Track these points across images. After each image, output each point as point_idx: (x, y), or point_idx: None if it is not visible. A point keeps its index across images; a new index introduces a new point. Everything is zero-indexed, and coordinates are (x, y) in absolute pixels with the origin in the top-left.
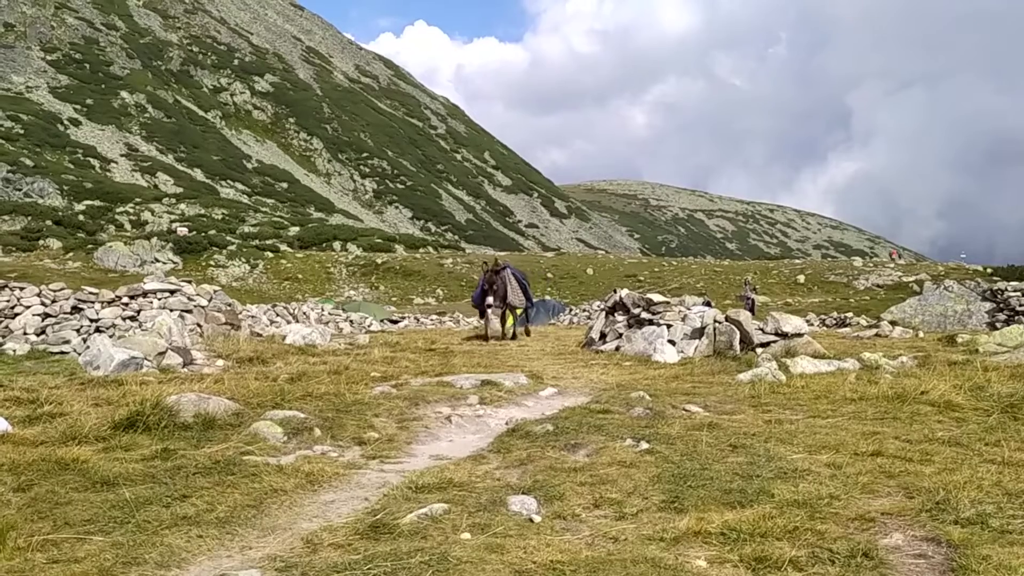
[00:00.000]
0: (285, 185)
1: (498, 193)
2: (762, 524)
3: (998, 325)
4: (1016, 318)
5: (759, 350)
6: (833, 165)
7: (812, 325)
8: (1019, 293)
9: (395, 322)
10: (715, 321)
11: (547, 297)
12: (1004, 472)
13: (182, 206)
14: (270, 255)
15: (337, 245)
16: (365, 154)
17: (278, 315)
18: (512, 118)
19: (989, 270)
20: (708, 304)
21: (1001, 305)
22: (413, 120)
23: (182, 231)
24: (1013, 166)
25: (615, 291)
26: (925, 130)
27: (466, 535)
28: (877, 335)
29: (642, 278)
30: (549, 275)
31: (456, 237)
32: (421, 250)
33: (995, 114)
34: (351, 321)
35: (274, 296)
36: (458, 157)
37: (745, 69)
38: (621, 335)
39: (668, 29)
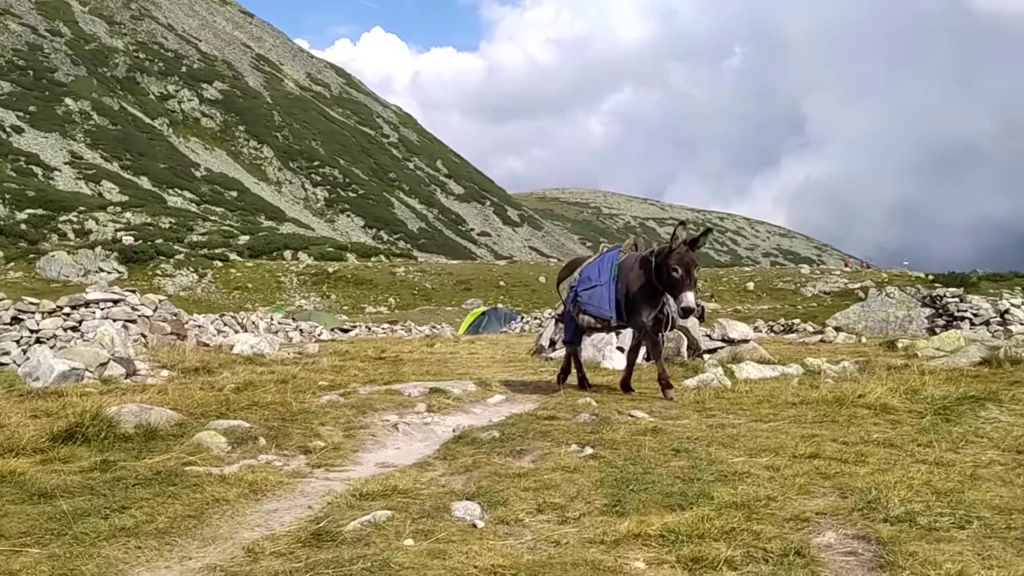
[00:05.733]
0: (235, 193)
1: (451, 202)
2: (700, 526)
3: (937, 330)
4: (954, 323)
5: (706, 356)
6: (787, 172)
7: (760, 331)
8: (957, 299)
9: (346, 331)
10: None
11: (499, 305)
12: (934, 472)
13: (128, 215)
14: (219, 264)
15: (288, 254)
16: (316, 162)
17: (226, 325)
18: (469, 126)
19: (931, 277)
20: None
21: (940, 311)
22: (365, 128)
23: (128, 240)
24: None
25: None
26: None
27: (409, 541)
28: (822, 341)
29: None
30: (502, 283)
31: (408, 246)
32: (373, 259)
33: (945, 121)
34: (301, 330)
35: (223, 306)
36: (410, 166)
37: (701, 80)
38: None
39: (624, 40)
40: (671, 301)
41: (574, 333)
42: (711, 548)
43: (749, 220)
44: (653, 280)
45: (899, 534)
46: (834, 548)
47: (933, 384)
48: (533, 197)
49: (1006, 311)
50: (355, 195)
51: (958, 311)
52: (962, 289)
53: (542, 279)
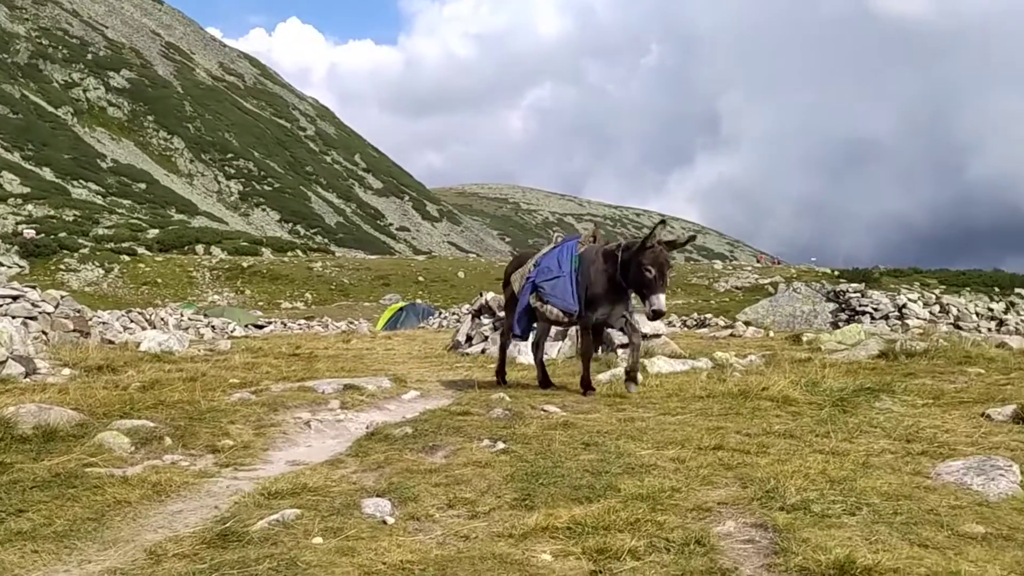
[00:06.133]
0: (143, 186)
1: (369, 196)
2: (607, 517)
3: (840, 324)
4: (856, 317)
5: (619, 351)
6: (701, 169)
7: (674, 326)
8: (859, 295)
9: (260, 327)
10: None
11: (417, 301)
12: (829, 461)
13: (29, 207)
14: (127, 259)
15: (200, 248)
16: (230, 155)
17: (133, 321)
18: (388, 120)
19: (836, 272)
20: None
21: (843, 306)
22: (281, 121)
23: (29, 233)
24: (864, 169)
25: (481, 294)
26: (786, 134)
27: (318, 539)
28: (732, 335)
29: None
30: (420, 278)
31: (326, 240)
32: (289, 253)
33: (850, 118)
34: (213, 327)
35: (131, 301)
36: (328, 159)
37: (618, 77)
38: (487, 338)
39: (543, 36)
40: (643, 302)
41: (526, 327)
42: (616, 539)
43: (664, 216)
44: (618, 276)
45: (794, 521)
46: (733, 536)
47: (833, 377)
48: (452, 192)
49: (904, 306)
50: (270, 189)
51: (860, 306)
52: (864, 285)
53: (461, 274)
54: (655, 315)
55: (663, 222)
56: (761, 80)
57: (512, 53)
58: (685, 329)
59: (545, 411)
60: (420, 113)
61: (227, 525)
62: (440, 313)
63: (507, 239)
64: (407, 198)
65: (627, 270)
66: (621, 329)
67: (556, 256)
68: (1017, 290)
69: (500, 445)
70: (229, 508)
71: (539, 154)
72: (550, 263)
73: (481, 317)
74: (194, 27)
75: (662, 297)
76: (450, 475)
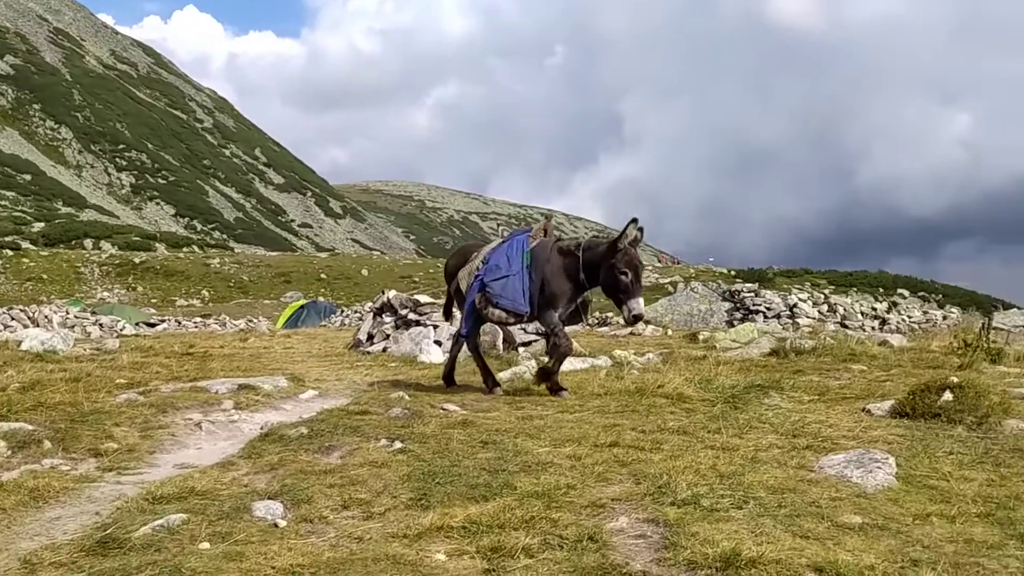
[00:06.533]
0: (28, 177)
1: (270, 191)
2: (502, 516)
3: (735, 323)
4: (750, 316)
5: (521, 349)
6: (604, 169)
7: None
8: (753, 294)
9: (152, 326)
10: None
11: (320, 299)
12: (720, 456)
13: None
14: (9, 253)
15: (89, 243)
16: (122, 146)
17: (14, 319)
18: (290, 114)
19: (732, 272)
20: None
21: (738, 305)
22: (176, 112)
23: None
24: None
25: (383, 292)
26: (686, 137)
27: (205, 545)
28: (632, 333)
29: (417, 279)
30: (323, 276)
31: (224, 236)
32: (185, 249)
33: (747, 124)
34: (101, 325)
35: (14, 298)
36: (227, 153)
37: (524, 77)
38: (388, 336)
39: (449, 33)
40: (619, 307)
41: (473, 327)
42: (511, 537)
43: (568, 216)
44: (580, 276)
45: (684, 516)
46: (625, 532)
47: (726, 374)
48: (356, 189)
49: (795, 305)
50: (165, 182)
51: (753, 305)
52: (759, 284)
53: (365, 272)
54: (634, 320)
55: (635, 220)
56: (662, 84)
57: (418, 50)
58: (587, 327)
59: (445, 410)
60: (324, 108)
61: (108, 532)
62: (342, 311)
63: (412, 237)
64: (310, 194)
65: (591, 270)
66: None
67: (505, 252)
68: (899, 290)
69: (398, 444)
70: (111, 514)
71: (445, 152)
72: (499, 260)
73: (383, 315)
74: (84, 13)
75: (640, 301)
76: (346, 476)
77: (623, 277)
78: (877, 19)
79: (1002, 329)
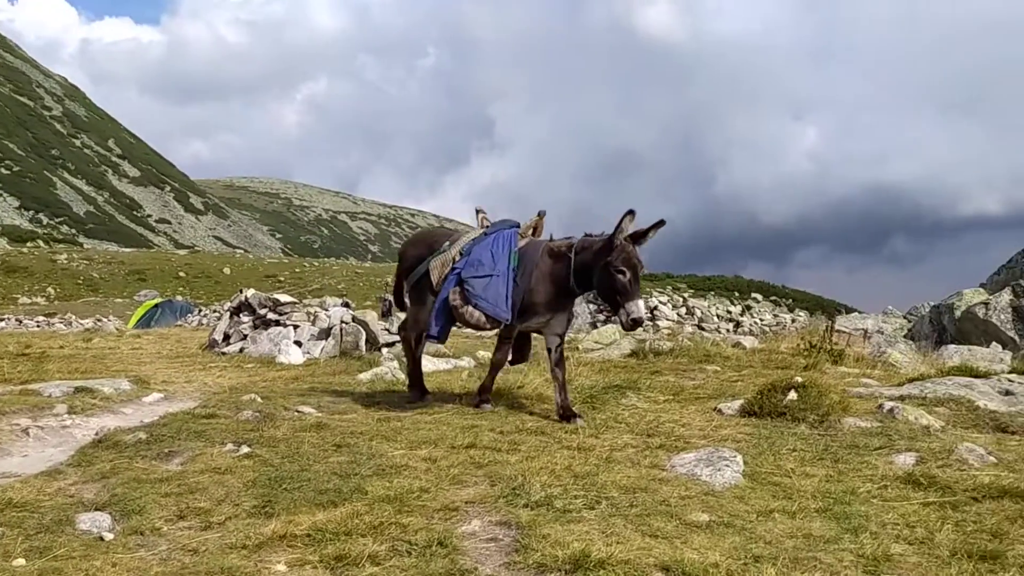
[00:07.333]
0: None
1: (124, 185)
2: (350, 522)
3: (598, 324)
4: (613, 319)
5: (384, 350)
6: (476, 172)
7: None
8: None
9: None
10: (342, 322)
11: (177, 297)
12: (576, 457)
13: None
14: None
15: None
16: None
17: None
18: (149, 105)
19: None
20: (347, 305)
21: (601, 307)
22: (22, 99)
23: None
24: (626, 179)
25: (241, 291)
26: (555, 142)
27: (20, 561)
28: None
29: (283, 278)
30: (182, 274)
31: (73, 231)
32: (29, 244)
33: (616, 130)
34: None
35: None
36: (77, 143)
37: (396, 76)
38: (246, 336)
39: (320, 28)
40: (615, 310)
41: (444, 328)
42: (357, 544)
43: (439, 217)
44: (571, 281)
45: (537, 518)
46: (477, 535)
47: (586, 375)
48: (220, 185)
49: (655, 308)
50: (8, 172)
51: None
52: None
53: (227, 270)
54: (634, 324)
55: (631, 212)
56: (534, 89)
57: (287, 43)
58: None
59: (299, 412)
60: (186, 99)
61: None
62: (200, 311)
63: (278, 235)
64: (169, 189)
65: (584, 274)
66: (553, 347)
67: (490, 248)
68: (753, 294)
69: (245, 449)
70: None
71: (313, 149)
72: (482, 255)
73: (241, 315)
74: None
75: (640, 303)
76: (185, 483)
77: (620, 276)
78: (737, 35)
79: (844, 332)
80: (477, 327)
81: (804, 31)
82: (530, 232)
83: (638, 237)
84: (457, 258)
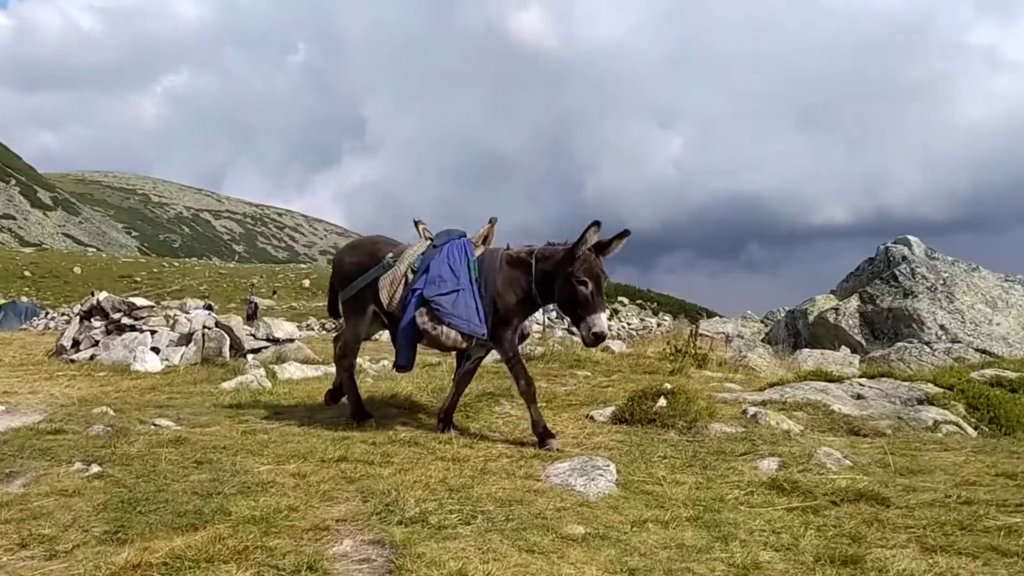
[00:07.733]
0: None
1: None
2: (211, 547)
3: None
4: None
5: (250, 356)
6: (346, 171)
7: (312, 329)
8: None
9: None
10: (204, 327)
11: (22, 298)
12: (450, 468)
13: None
14: None
15: None
16: None
17: None
18: None
19: None
20: (210, 308)
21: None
22: None
23: None
24: (496, 182)
25: (93, 294)
26: (426, 143)
27: None
28: (373, 339)
29: (139, 279)
30: (28, 273)
31: None
32: None
33: (486, 133)
34: None
35: None
36: None
37: (263, 71)
38: (98, 342)
39: (181, 17)
40: (576, 324)
41: (413, 356)
42: (220, 572)
43: (307, 217)
44: (534, 290)
45: (411, 536)
46: (349, 557)
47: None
48: (70, 179)
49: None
50: None
51: None
52: None
53: (77, 270)
54: (596, 339)
55: (597, 223)
56: (406, 90)
57: (145, 32)
58: (324, 332)
59: (156, 425)
60: (33, 87)
61: None
62: (48, 313)
63: (135, 233)
64: (13, 182)
65: (546, 284)
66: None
67: (447, 261)
68: (620, 298)
69: (95, 468)
70: None
71: (174, 144)
72: (441, 270)
73: (92, 319)
74: None
75: (603, 317)
76: (27, 508)
77: (582, 288)
78: (605, 42)
79: (707, 336)
80: (454, 347)
81: (664, 40)
82: (482, 241)
83: (602, 248)
84: (410, 276)
